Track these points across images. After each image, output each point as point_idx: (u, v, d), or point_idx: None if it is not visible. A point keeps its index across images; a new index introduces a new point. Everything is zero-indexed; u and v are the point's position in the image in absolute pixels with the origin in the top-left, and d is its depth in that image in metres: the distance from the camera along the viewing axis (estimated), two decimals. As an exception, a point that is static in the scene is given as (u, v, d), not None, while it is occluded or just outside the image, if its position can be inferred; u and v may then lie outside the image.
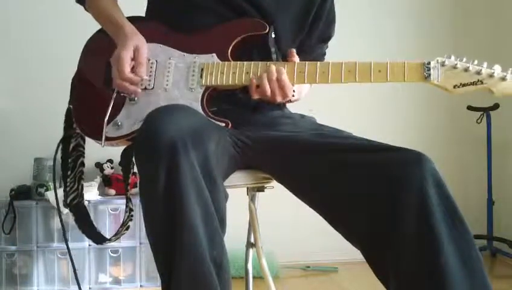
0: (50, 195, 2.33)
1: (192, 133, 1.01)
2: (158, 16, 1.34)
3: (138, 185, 1.05)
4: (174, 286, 1.00)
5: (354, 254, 1.16)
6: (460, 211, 1.02)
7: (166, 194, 0.98)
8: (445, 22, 2.98)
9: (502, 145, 2.91)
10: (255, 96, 1.19)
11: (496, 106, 2.77)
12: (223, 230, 1.06)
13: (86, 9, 1.40)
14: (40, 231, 2.36)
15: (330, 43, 1.48)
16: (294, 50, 1.24)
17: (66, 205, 1.40)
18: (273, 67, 1.17)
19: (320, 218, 1.18)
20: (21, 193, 2.40)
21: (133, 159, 1.19)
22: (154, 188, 0.98)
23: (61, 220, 1.48)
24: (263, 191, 1.40)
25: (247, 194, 1.44)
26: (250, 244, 1.47)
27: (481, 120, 2.82)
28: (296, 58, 1.22)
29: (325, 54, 1.47)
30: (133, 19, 1.32)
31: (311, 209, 1.20)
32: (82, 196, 1.42)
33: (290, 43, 1.33)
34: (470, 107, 2.83)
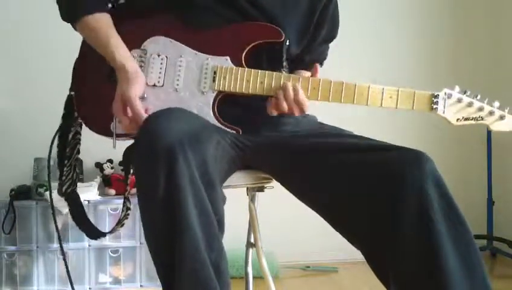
0: (50, 195, 2.33)
1: (190, 136, 1.00)
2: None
3: (136, 188, 1.04)
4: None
5: (354, 254, 1.16)
6: (460, 211, 1.02)
7: (165, 197, 0.97)
8: (445, 22, 2.98)
9: (502, 145, 2.91)
10: (274, 113, 1.19)
11: (496, 106, 2.77)
12: (222, 232, 1.06)
13: (74, 27, 1.27)
14: (40, 231, 2.36)
15: (332, 44, 1.49)
16: (318, 66, 1.24)
17: (61, 194, 1.36)
18: (289, 86, 1.16)
19: (320, 218, 1.18)
20: (21, 193, 2.40)
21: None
22: (153, 191, 0.98)
23: (55, 221, 1.47)
24: (263, 191, 1.40)
25: (247, 194, 1.44)
26: (250, 244, 1.47)
27: (481, 120, 2.82)
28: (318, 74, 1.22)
29: (328, 48, 1.48)
30: (143, 7, 1.27)
31: (311, 209, 1.20)
32: (76, 183, 1.38)
33: (296, 47, 1.32)
34: (470, 107, 2.83)
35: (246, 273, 1.49)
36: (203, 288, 0.99)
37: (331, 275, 2.60)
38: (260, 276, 1.44)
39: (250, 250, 1.48)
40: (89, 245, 2.34)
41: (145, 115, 1.13)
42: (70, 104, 1.30)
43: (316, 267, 2.67)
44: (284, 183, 1.25)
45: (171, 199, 0.97)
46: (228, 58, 1.20)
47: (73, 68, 1.31)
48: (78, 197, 1.40)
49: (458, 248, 0.99)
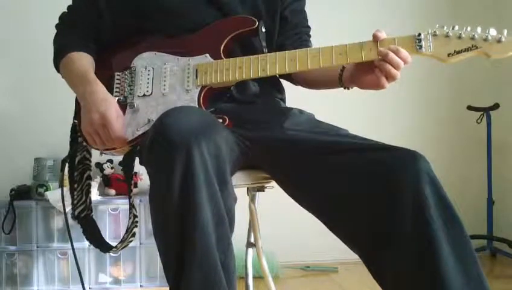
0: (50, 195, 2.33)
1: (204, 131, 1.00)
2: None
3: (149, 187, 1.03)
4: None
5: (354, 253, 1.16)
6: (455, 210, 1.02)
7: (180, 194, 0.96)
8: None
9: (502, 145, 2.91)
10: (386, 86, 1.14)
11: (496, 106, 2.77)
12: (232, 231, 1.05)
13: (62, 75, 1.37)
14: (40, 231, 2.36)
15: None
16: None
17: (74, 218, 1.41)
18: (387, 50, 1.09)
19: (320, 218, 1.18)
20: (21, 193, 2.40)
21: (135, 162, 1.20)
22: (167, 187, 0.96)
23: (66, 221, 1.47)
24: (263, 191, 1.40)
25: (247, 194, 1.44)
26: (250, 244, 1.47)
27: (481, 120, 2.82)
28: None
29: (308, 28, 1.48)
30: (126, 41, 1.34)
31: (310, 210, 1.20)
32: (90, 208, 1.42)
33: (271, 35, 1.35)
34: (470, 107, 2.83)
35: (246, 274, 1.49)
36: (212, 289, 0.98)
37: (331, 275, 2.61)
38: (260, 276, 1.44)
39: (250, 250, 1.48)
40: (89, 245, 2.34)
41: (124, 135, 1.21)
42: (74, 132, 1.37)
43: (316, 267, 2.67)
44: (282, 184, 1.25)
45: (186, 196, 0.96)
46: (207, 55, 1.25)
47: (76, 100, 1.35)
48: (94, 222, 1.42)
49: (454, 246, 1.00)
